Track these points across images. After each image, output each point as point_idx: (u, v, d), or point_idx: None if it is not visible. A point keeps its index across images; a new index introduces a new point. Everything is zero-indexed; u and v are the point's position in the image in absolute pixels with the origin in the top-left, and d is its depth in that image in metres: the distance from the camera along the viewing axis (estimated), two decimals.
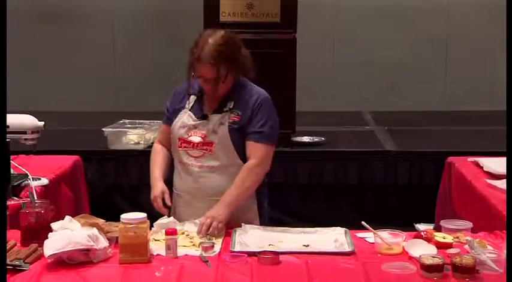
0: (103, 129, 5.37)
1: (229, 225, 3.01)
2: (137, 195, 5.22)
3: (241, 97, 3.18)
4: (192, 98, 3.24)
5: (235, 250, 2.73)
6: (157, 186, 3.20)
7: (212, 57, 3.04)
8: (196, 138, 3.18)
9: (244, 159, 3.17)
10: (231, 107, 3.16)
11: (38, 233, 2.75)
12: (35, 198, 3.05)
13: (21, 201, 3.15)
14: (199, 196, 3.21)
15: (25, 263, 2.56)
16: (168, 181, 3.34)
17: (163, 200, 3.16)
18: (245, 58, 3.20)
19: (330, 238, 2.89)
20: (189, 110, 3.22)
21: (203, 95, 3.22)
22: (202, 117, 3.19)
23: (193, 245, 2.81)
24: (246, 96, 3.19)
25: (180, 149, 3.22)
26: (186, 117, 3.21)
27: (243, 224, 3.02)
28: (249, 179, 3.14)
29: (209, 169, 3.18)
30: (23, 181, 3.60)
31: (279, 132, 3.28)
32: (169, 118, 3.29)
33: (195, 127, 3.19)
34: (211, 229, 2.93)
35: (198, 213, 3.09)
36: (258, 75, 3.29)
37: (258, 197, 3.27)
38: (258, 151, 3.15)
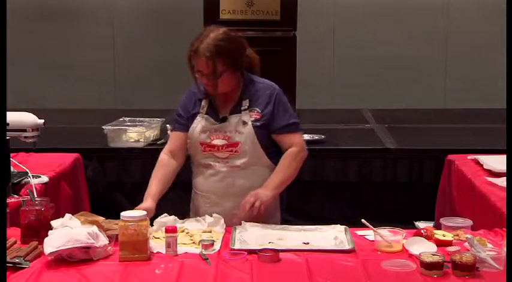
0: (103, 126, 5.35)
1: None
2: (137, 193, 5.15)
3: (253, 94, 3.19)
4: (204, 102, 3.22)
5: (235, 248, 2.73)
6: (147, 203, 3.11)
7: (208, 51, 3.03)
8: (220, 141, 3.17)
9: (269, 155, 3.20)
10: (247, 105, 3.17)
11: (38, 230, 2.75)
12: (35, 196, 3.05)
13: (21, 199, 3.15)
14: (226, 196, 3.22)
15: (25, 260, 2.55)
16: (187, 182, 3.36)
17: None
18: (251, 59, 3.21)
19: (330, 236, 2.89)
20: (205, 114, 3.20)
21: (214, 98, 3.21)
22: (222, 119, 3.18)
23: (193, 242, 2.81)
24: (258, 92, 3.19)
25: (205, 152, 3.21)
26: (204, 122, 3.19)
27: (243, 221, 3.02)
28: (293, 165, 3.21)
29: (236, 169, 3.19)
30: (23, 179, 3.60)
31: None
32: (183, 124, 3.24)
33: (216, 130, 3.18)
34: (254, 208, 3.02)
35: (225, 213, 3.10)
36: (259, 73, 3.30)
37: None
38: (296, 139, 3.23)
